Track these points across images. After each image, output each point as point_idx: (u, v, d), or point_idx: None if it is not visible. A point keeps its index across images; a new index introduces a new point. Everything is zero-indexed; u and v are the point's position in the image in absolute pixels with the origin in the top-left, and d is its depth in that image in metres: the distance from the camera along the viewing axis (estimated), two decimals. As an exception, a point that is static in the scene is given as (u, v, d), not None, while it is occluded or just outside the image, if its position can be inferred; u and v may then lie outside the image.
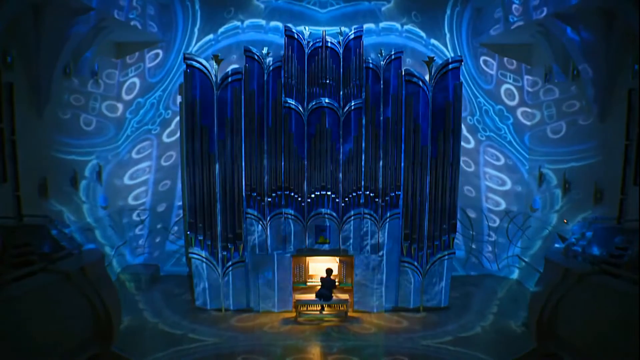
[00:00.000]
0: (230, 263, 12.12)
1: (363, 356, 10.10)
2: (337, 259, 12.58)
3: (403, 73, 11.88)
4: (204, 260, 12.14)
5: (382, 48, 12.45)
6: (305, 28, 12.05)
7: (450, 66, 11.91)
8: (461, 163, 12.67)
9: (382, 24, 14.32)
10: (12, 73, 9.79)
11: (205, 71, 11.67)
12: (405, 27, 14.37)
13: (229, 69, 11.88)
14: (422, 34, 14.39)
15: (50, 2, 10.03)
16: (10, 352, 6.43)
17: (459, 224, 12.80)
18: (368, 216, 12.10)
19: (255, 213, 12.04)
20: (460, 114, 12.09)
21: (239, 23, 14.28)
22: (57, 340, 7.39)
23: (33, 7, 9.90)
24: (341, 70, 11.85)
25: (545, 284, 8.59)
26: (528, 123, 14.60)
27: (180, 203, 14.75)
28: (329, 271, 12.04)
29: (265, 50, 11.85)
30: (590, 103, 11.39)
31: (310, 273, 12.74)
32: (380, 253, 12.16)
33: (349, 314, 11.96)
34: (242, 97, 11.77)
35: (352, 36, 11.78)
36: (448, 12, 14.40)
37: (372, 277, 12.18)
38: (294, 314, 12.00)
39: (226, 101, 11.77)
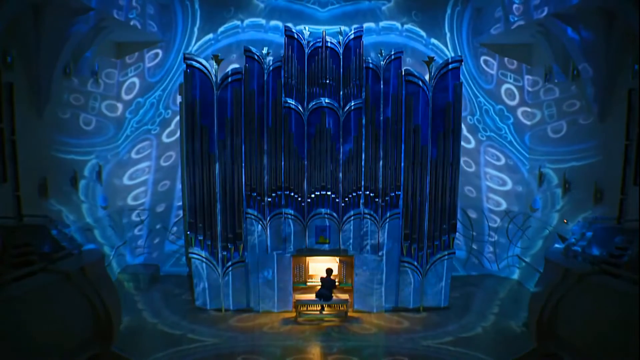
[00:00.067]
0: (230, 263, 12.12)
1: (363, 356, 10.09)
2: (337, 259, 12.59)
3: (403, 73, 11.87)
4: (204, 260, 12.14)
5: (382, 47, 12.47)
6: (305, 28, 12.06)
7: (451, 66, 11.90)
8: (462, 163, 12.68)
9: (382, 23, 14.30)
10: (12, 73, 9.78)
11: (205, 71, 11.67)
12: (406, 26, 14.36)
13: (229, 68, 11.88)
14: (423, 33, 14.38)
15: (50, 2, 10.02)
16: (10, 352, 6.43)
17: (459, 225, 12.81)
18: (368, 216, 12.10)
19: (255, 213, 12.03)
20: (460, 114, 12.09)
21: (238, 22, 14.27)
22: (57, 340, 7.39)
23: (33, 7, 9.89)
24: (341, 70, 11.84)
25: (545, 284, 8.59)
26: (528, 123, 14.59)
27: (180, 203, 14.74)
28: (329, 271, 12.04)
29: (265, 50, 11.85)
30: (590, 103, 11.39)
31: (310, 273, 12.75)
32: (380, 253, 12.15)
33: (349, 314, 11.95)
34: (242, 97, 11.76)
35: (352, 36, 11.78)
36: (448, 11, 14.38)
37: (372, 277, 12.18)
38: (294, 314, 12.00)
39: (226, 101, 11.77)
